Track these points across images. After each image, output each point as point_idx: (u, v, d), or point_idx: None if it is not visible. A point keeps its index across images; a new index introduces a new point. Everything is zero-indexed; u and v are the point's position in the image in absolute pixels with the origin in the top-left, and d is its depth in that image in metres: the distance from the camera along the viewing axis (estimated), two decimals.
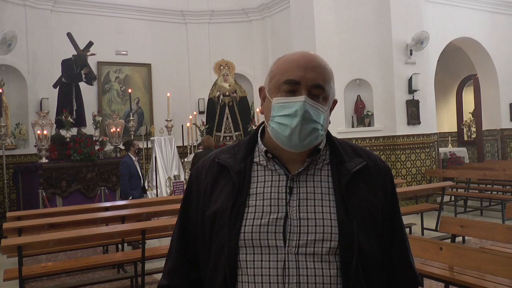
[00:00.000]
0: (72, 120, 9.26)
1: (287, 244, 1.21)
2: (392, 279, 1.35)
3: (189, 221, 1.39)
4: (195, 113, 11.71)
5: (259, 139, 1.36)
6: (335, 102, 1.36)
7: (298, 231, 1.22)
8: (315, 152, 1.30)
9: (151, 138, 10.38)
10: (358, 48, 9.66)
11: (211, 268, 1.29)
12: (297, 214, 1.23)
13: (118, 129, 10.19)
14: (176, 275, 1.39)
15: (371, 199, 1.28)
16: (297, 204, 1.24)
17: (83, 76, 9.58)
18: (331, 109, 1.34)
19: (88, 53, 9.73)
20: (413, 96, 9.60)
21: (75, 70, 9.50)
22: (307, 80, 1.25)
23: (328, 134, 1.36)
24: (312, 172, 1.29)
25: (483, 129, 12.78)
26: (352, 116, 10.18)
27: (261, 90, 1.38)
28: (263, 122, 1.38)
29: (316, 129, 1.25)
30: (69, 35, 9.64)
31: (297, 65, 1.27)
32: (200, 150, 8.84)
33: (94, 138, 9.62)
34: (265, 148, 1.32)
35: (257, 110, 10.89)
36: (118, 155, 9.81)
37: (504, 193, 9.14)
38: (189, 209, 1.40)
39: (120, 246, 5.98)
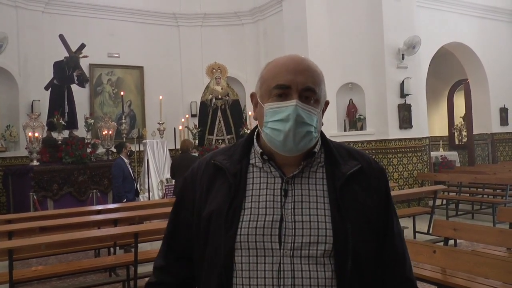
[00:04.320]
0: (63, 123, 9.21)
1: (282, 247, 1.21)
2: (385, 280, 1.33)
3: (181, 220, 1.40)
4: (187, 116, 11.69)
5: (255, 141, 1.36)
6: (327, 103, 1.36)
7: (293, 233, 1.22)
8: (310, 155, 1.30)
9: (143, 141, 10.34)
10: (351, 52, 9.70)
11: (206, 268, 1.29)
12: (292, 216, 1.23)
13: (110, 132, 10.13)
14: (166, 272, 1.41)
15: (366, 201, 1.28)
16: (292, 206, 1.25)
17: (75, 78, 9.54)
18: (324, 111, 1.35)
19: (80, 55, 9.69)
20: (405, 100, 9.65)
21: (67, 72, 9.45)
22: (298, 84, 1.25)
23: (323, 137, 1.37)
24: (307, 175, 1.30)
25: (474, 133, 12.89)
26: (344, 120, 10.22)
27: (252, 96, 1.38)
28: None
29: (310, 132, 1.25)
30: (61, 37, 9.59)
31: (286, 69, 1.27)
32: (178, 155, 8.80)
33: (86, 141, 9.57)
34: (260, 150, 1.32)
35: (250, 113, 10.89)
36: (110, 158, 9.76)
37: (494, 196, 9.20)
38: (182, 209, 1.40)
39: (112, 249, 5.94)
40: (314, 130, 1.26)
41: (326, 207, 1.25)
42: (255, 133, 1.38)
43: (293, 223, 1.23)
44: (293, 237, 1.22)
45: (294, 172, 1.29)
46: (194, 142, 10.91)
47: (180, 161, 7.77)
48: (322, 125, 1.35)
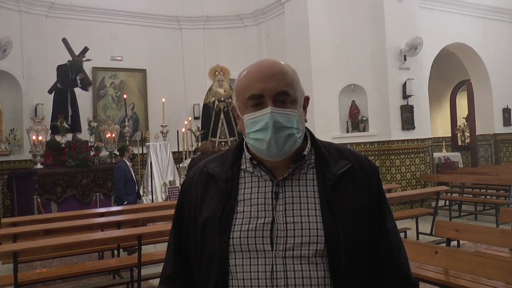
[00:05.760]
0: (67, 126, 9.25)
1: (274, 248, 1.24)
2: (381, 276, 1.33)
3: (183, 228, 1.42)
4: (190, 118, 11.71)
5: (245, 147, 1.38)
6: (306, 98, 1.37)
7: (285, 235, 1.24)
8: (299, 158, 1.32)
9: (146, 143, 10.37)
10: (353, 53, 9.72)
11: (204, 273, 1.31)
12: (284, 218, 1.25)
13: (113, 135, 10.17)
14: (175, 281, 1.43)
15: (358, 200, 1.29)
16: (283, 208, 1.27)
17: (78, 81, 9.56)
18: (305, 106, 1.37)
19: (83, 59, 9.72)
20: (407, 101, 9.66)
21: (70, 75, 9.49)
22: (270, 90, 1.27)
23: (313, 138, 1.38)
24: (298, 177, 1.31)
25: (476, 134, 12.88)
26: (347, 121, 10.22)
27: (233, 108, 1.39)
28: None
29: (291, 134, 1.27)
30: (64, 40, 9.63)
31: (256, 78, 1.29)
32: (197, 155, 8.83)
33: (89, 144, 9.60)
34: (250, 156, 1.34)
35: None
36: (113, 161, 9.79)
37: (497, 197, 9.20)
38: (182, 217, 1.43)
39: (115, 251, 5.97)
40: (296, 131, 1.28)
41: (317, 207, 1.26)
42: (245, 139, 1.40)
43: (284, 224, 1.25)
44: (285, 238, 1.24)
45: (284, 174, 1.30)
46: (197, 145, 10.94)
47: (199, 161, 7.79)
48: (306, 121, 1.36)
